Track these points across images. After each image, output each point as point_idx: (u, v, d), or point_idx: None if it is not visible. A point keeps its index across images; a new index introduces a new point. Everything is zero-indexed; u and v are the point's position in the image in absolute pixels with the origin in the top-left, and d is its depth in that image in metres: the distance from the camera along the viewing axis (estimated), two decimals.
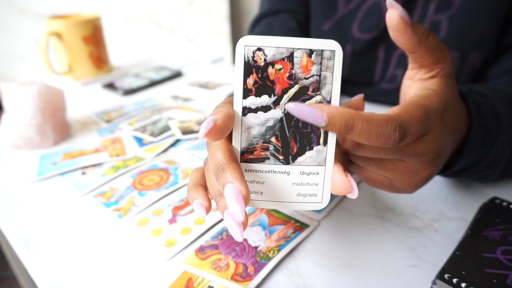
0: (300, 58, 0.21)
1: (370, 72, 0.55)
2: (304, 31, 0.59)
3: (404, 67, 0.51)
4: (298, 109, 0.20)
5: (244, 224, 0.21)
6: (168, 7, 1.21)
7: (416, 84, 0.27)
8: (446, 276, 0.25)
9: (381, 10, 0.49)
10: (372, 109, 0.57)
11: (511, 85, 0.37)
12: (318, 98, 0.22)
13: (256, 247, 0.31)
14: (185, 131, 0.50)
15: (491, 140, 0.30)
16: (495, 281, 0.24)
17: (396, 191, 0.27)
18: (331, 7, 0.54)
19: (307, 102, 0.22)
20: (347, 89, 0.60)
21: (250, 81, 0.22)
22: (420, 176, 0.26)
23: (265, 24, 0.61)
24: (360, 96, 0.27)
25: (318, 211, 0.34)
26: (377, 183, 0.27)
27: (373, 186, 0.27)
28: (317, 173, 0.23)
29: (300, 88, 0.22)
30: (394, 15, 0.23)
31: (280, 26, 0.58)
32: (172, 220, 0.34)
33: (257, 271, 0.28)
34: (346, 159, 0.25)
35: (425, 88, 0.26)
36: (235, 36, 1.26)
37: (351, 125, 0.20)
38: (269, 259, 0.29)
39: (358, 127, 0.20)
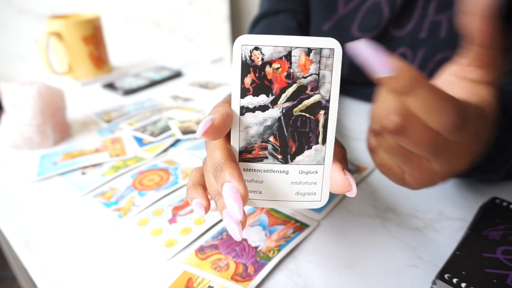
0: (298, 57, 0.21)
1: None
2: (304, 31, 0.59)
3: None
4: (367, 51, 0.18)
5: (243, 223, 0.21)
6: (168, 7, 1.21)
7: (464, 84, 0.24)
8: (446, 276, 0.25)
9: (381, 10, 0.49)
10: None
11: None
12: (317, 97, 0.22)
13: (256, 247, 0.31)
14: (185, 131, 0.50)
15: (499, 146, 0.29)
16: (495, 281, 0.24)
17: (402, 185, 0.26)
18: (331, 7, 0.53)
19: (305, 101, 0.22)
20: (346, 89, 0.60)
21: (248, 80, 0.21)
22: (434, 180, 0.24)
23: (265, 24, 0.61)
24: None
25: (318, 210, 0.34)
26: (389, 172, 0.25)
27: (383, 172, 0.26)
28: (316, 172, 0.23)
29: (298, 87, 0.22)
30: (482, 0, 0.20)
31: (280, 26, 0.58)
32: (172, 220, 0.34)
33: (257, 271, 0.28)
34: (345, 157, 0.25)
35: (476, 94, 0.23)
36: (235, 36, 1.25)
37: (416, 85, 0.17)
38: (269, 259, 0.29)
39: (422, 91, 0.18)
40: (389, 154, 0.23)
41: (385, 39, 0.51)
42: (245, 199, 0.20)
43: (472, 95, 0.23)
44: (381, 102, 0.21)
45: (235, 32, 1.27)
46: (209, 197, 0.25)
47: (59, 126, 0.50)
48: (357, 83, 0.57)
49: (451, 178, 0.24)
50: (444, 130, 0.19)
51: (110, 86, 0.70)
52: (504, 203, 0.32)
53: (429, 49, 0.48)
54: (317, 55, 0.21)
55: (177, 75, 0.76)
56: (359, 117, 0.55)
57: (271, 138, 0.22)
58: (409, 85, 0.17)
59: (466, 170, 0.31)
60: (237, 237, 0.21)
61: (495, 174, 0.32)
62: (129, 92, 0.68)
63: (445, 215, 0.34)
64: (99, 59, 0.75)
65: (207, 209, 0.24)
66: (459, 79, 0.24)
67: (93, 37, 0.72)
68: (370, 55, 0.17)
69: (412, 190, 0.26)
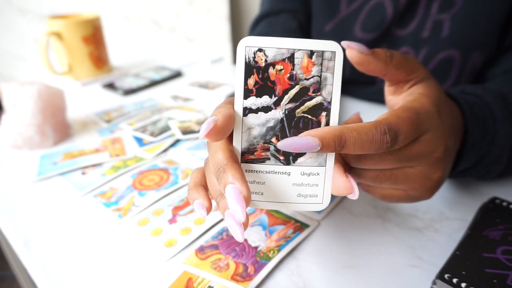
0: (300, 59, 0.21)
1: None
2: (305, 32, 0.59)
3: None
4: (291, 144, 0.21)
5: (245, 225, 0.21)
6: (168, 7, 1.21)
7: (401, 97, 0.27)
8: (446, 276, 0.25)
9: (384, 10, 0.49)
10: (374, 109, 0.57)
11: (505, 84, 0.37)
12: (318, 99, 0.22)
13: (256, 247, 0.31)
14: (185, 131, 0.50)
15: (490, 137, 0.31)
16: (495, 281, 0.24)
17: (414, 201, 0.27)
18: (334, 7, 0.54)
19: (307, 103, 0.22)
20: (349, 89, 0.60)
21: (251, 81, 0.22)
22: (433, 179, 0.26)
23: (265, 24, 0.61)
24: (356, 114, 0.28)
25: (319, 212, 0.34)
26: (394, 198, 0.27)
27: (390, 201, 0.27)
28: (318, 174, 0.23)
29: (300, 88, 0.22)
30: (353, 53, 0.24)
31: (281, 27, 0.58)
32: (172, 220, 0.34)
33: (257, 271, 0.28)
34: None
35: (411, 94, 0.26)
36: (235, 36, 1.26)
37: (343, 140, 0.20)
38: (269, 259, 0.29)
39: (350, 140, 0.20)
40: (378, 185, 0.26)
41: (387, 38, 0.51)
42: (248, 201, 0.20)
43: (408, 96, 0.26)
44: None
45: (235, 32, 1.27)
46: (210, 197, 0.25)
47: (59, 126, 0.50)
48: (359, 83, 0.58)
49: (446, 165, 0.26)
50: (384, 151, 0.22)
51: (110, 86, 0.70)
52: (504, 203, 0.32)
53: (431, 48, 0.48)
54: (319, 57, 0.21)
55: (177, 75, 0.76)
56: None
57: (274, 139, 0.22)
58: (338, 145, 0.20)
59: (470, 169, 0.32)
60: (239, 238, 0.21)
61: (494, 166, 0.33)
62: (129, 92, 0.68)
63: (445, 215, 0.34)
64: (99, 59, 0.75)
65: (208, 209, 0.24)
66: (395, 95, 0.28)
67: (93, 37, 0.72)
68: (296, 144, 0.21)
69: (426, 199, 0.27)
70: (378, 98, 0.57)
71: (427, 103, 0.24)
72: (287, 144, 0.21)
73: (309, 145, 0.20)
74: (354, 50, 0.24)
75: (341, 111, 0.57)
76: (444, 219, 0.34)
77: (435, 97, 0.25)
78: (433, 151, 0.24)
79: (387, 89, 0.29)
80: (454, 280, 0.24)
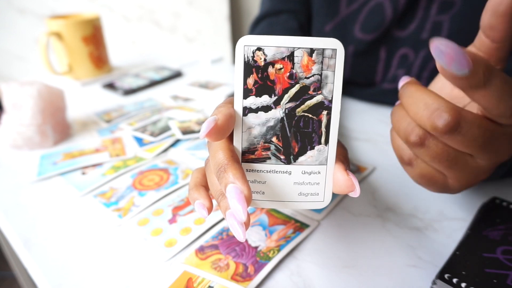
0: (300, 57, 0.21)
1: (372, 72, 0.55)
2: (305, 32, 0.59)
3: (405, 67, 0.51)
4: (450, 49, 0.17)
5: (247, 224, 0.21)
6: (168, 7, 1.21)
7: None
8: (446, 276, 0.25)
9: (384, 11, 0.49)
10: (374, 110, 0.57)
11: None
12: (319, 97, 0.22)
13: (256, 247, 0.31)
14: (185, 131, 0.50)
15: None
16: (495, 281, 0.24)
17: (444, 191, 0.25)
18: (334, 8, 0.54)
19: (308, 102, 0.22)
20: (348, 89, 0.60)
21: (250, 81, 0.21)
22: (478, 179, 0.24)
23: (265, 24, 0.61)
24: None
25: (318, 210, 0.34)
26: (431, 181, 0.24)
27: (423, 184, 0.25)
28: (319, 172, 0.23)
29: (301, 87, 0.22)
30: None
31: (281, 27, 0.58)
32: (172, 220, 0.34)
33: (257, 271, 0.28)
34: (347, 158, 0.25)
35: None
36: (235, 36, 1.26)
37: (490, 77, 0.17)
38: (269, 259, 0.29)
39: (495, 82, 0.17)
40: (432, 162, 0.23)
41: (387, 39, 0.51)
42: (249, 200, 0.20)
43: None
44: (421, 106, 0.20)
45: (235, 32, 1.27)
46: (211, 197, 0.25)
47: (59, 126, 0.50)
48: (359, 83, 0.58)
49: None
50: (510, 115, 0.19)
51: (110, 86, 0.70)
52: (504, 203, 0.32)
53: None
54: (320, 55, 0.21)
55: (177, 75, 0.76)
56: (359, 117, 0.55)
57: (274, 139, 0.22)
58: (484, 78, 0.17)
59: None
60: (240, 238, 0.21)
61: (497, 170, 0.32)
62: (129, 92, 0.68)
63: (445, 215, 0.34)
64: (99, 59, 0.75)
65: (209, 210, 0.24)
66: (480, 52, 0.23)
67: (93, 37, 0.72)
68: (452, 52, 0.17)
69: (455, 194, 0.25)
70: (378, 99, 0.57)
71: None
72: (445, 45, 0.17)
73: (463, 62, 0.17)
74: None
75: (342, 110, 0.57)
76: (444, 219, 0.34)
77: None
78: (508, 149, 0.22)
79: (487, 44, 0.23)
80: (454, 280, 0.24)
